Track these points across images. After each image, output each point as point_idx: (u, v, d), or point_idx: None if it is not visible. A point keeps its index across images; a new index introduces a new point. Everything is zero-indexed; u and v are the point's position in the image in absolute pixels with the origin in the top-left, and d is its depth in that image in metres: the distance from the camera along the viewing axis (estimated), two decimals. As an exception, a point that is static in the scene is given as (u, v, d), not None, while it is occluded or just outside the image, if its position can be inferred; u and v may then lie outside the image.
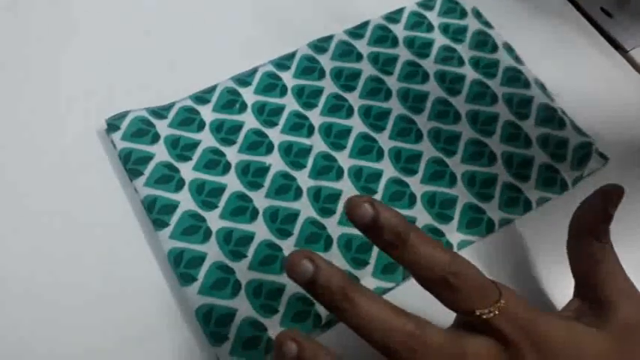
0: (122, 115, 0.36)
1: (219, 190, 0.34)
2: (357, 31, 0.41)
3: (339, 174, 0.35)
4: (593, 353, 0.25)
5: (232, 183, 0.34)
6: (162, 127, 0.36)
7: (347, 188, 0.35)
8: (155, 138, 0.35)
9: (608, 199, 0.28)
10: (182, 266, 0.31)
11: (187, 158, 0.35)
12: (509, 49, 0.41)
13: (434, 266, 0.24)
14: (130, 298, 0.32)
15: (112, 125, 0.35)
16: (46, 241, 0.33)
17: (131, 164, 0.34)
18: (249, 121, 0.37)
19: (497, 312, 0.24)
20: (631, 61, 0.41)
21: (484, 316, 0.24)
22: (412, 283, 0.32)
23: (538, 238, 0.34)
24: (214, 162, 0.35)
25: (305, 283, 0.24)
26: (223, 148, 0.35)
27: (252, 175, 0.35)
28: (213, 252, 0.32)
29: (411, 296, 0.32)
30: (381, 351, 0.24)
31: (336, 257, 0.32)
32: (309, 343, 0.24)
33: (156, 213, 0.33)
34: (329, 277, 0.24)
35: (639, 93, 0.40)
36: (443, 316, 0.26)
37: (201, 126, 0.36)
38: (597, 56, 0.42)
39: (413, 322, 0.24)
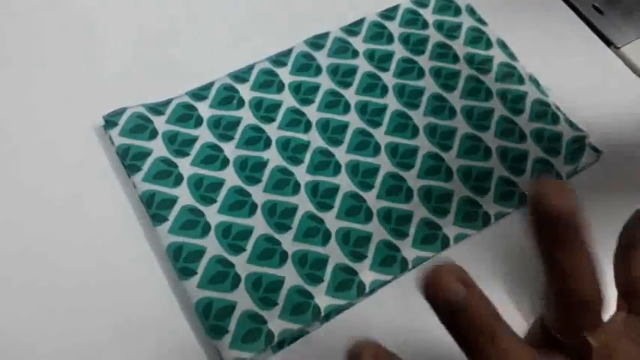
0: (120, 112, 0.36)
1: (218, 184, 0.34)
2: (352, 28, 0.41)
3: (336, 169, 0.35)
4: None
5: (230, 178, 0.34)
6: (160, 123, 0.36)
7: (344, 183, 0.35)
8: (153, 134, 0.35)
9: None
10: (181, 260, 0.31)
11: (185, 154, 0.35)
12: (503, 45, 0.41)
13: None
14: (129, 292, 0.32)
15: (110, 122, 0.36)
16: (44, 236, 0.33)
17: (129, 160, 0.34)
18: (247, 117, 0.37)
19: None
20: (623, 58, 0.42)
21: None
22: (410, 276, 0.33)
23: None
24: (212, 157, 0.35)
25: (450, 309, 0.19)
26: (221, 144, 0.36)
27: (250, 170, 0.35)
28: (212, 246, 0.32)
29: (408, 289, 0.33)
30: None
31: (334, 251, 0.33)
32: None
33: (155, 208, 0.33)
34: (478, 308, 0.19)
35: (631, 88, 0.41)
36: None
37: (198, 122, 0.36)
38: (590, 53, 0.42)
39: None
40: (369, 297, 0.32)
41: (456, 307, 0.19)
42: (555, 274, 0.21)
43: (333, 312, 0.31)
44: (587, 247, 0.21)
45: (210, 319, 0.30)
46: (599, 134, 0.38)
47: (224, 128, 0.36)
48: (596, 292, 0.21)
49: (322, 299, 0.31)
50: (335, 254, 0.32)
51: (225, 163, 0.35)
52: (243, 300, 0.31)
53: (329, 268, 0.32)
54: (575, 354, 0.22)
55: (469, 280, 0.19)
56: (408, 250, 0.33)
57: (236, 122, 0.36)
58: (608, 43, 0.43)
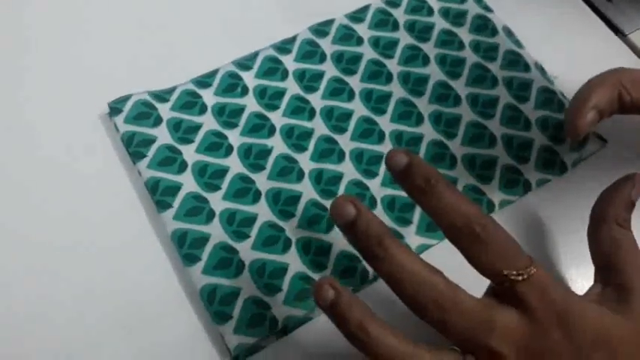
0: (124, 99, 0.36)
1: (222, 172, 0.34)
2: (357, 15, 0.41)
3: (340, 157, 0.35)
4: (618, 337, 0.25)
5: (235, 165, 0.34)
6: (165, 111, 0.36)
7: (348, 171, 0.35)
8: (157, 121, 0.35)
9: (630, 187, 0.29)
10: (186, 247, 0.32)
11: (190, 141, 0.35)
12: (509, 32, 0.41)
13: (461, 215, 0.24)
14: (133, 279, 0.32)
15: (115, 108, 0.36)
16: (49, 225, 0.33)
17: (134, 147, 0.34)
18: (251, 104, 0.37)
19: (526, 276, 0.24)
20: (630, 45, 0.42)
21: (512, 277, 0.24)
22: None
23: (538, 219, 0.35)
24: (217, 145, 0.35)
25: (345, 225, 0.25)
26: (225, 131, 0.36)
27: (255, 157, 0.35)
28: (216, 233, 0.32)
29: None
30: (410, 305, 0.24)
31: (337, 238, 0.33)
32: (346, 292, 0.25)
33: (159, 195, 0.33)
34: (368, 223, 0.25)
35: (638, 76, 0.40)
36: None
37: (203, 109, 0.36)
38: (596, 40, 0.42)
39: (446, 282, 0.24)
40: (372, 284, 0.32)
41: (347, 221, 0.25)
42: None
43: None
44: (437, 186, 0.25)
45: (215, 305, 0.30)
46: (603, 122, 0.38)
47: (228, 116, 0.36)
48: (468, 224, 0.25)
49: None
50: (339, 242, 0.33)
51: (229, 150, 0.35)
52: (247, 286, 0.31)
53: (332, 255, 0.32)
54: (513, 303, 0.25)
55: (360, 205, 0.25)
56: (412, 237, 0.33)
57: (240, 110, 0.36)
58: (616, 30, 0.42)
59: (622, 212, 0.28)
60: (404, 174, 0.26)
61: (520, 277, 0.24)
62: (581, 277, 0.33)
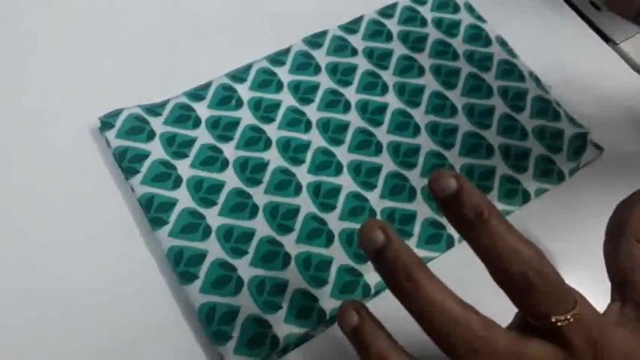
0: (116, 113, 0.35)
1: (218, 186, 0.33)
2: (351, 26, 0.40)
3: (338, 169, 0.35)
4: None
5: (231, 179, 0.34)
6: (158, 125, 0.35)
7: (346, 183, 0.34)
8: (150, 135, 0.35)
9: None
10: (182, 264, 0.31)
11: (184, 155, 0.34)
12: (503, 42, 0.41)
13: (516, 258, 0.22)
14: (129, 298, 0.31)
15: (106, 123, 0.35)
16: (40, 242, 0.32)
17: (126, 162, 0.34)
18: (246, 117, 0.36)
19: (572, 320, 0.22)
20: (621, 53, 0.42)
21: (559, 324, 0.22)
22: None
23: (538, 229, 0.35)
24: (212, 159, 0.34)
25: (373, 253, 0.23)
26: (220, 145, 0.35)
27: (251, 171, 0.34)
28: (213, 249, 0.31)
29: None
30: (440, 344, 0.22)
31: (338, 252, 0.32)
32: (371, 319, 0.23)
33: (154, 211, 0.32)
34: (398, 252, 0.22)
35: (630, 84, 0.41)
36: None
37: (196, 123, 0.36)
38: (588, 49, 0.42)
39: (480, 321, 0.22)
40: (374, 298, 0.32)
41: (376, 249, 0.22)
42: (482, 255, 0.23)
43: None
44: (499, 228, 0.22)
45: (214, 325, 0.29)
46: (599, 131, 0.38)
47: (223, 129, 0.36)
48: (538, 274, 0.22)
49: (327, 302, 0.31)
50: (339, 256, 0.32)
51: (225, 164, 0.34)
52: (246, 304, 0.30)
53: (333, 270, 0.32)
54: (551, 337, 0.23)
55: (391, 232, 0.22)
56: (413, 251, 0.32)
57: (235, 123, 0.36)
58: (607, 39, 0.43)
59: None
60: (451, 202, 0.22)
61: (566, 322, 0.22)
62: (580, 287, 0.32)
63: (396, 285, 0.22)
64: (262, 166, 0.34)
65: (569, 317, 0.22)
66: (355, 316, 0.23)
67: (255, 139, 0.35)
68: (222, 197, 0.33)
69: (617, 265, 0.28)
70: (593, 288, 0.28)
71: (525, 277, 0.22)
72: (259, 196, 0.33)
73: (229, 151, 0.35)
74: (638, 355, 0.24)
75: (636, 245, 0.27)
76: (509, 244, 0.22)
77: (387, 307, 0.31)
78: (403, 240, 0.23)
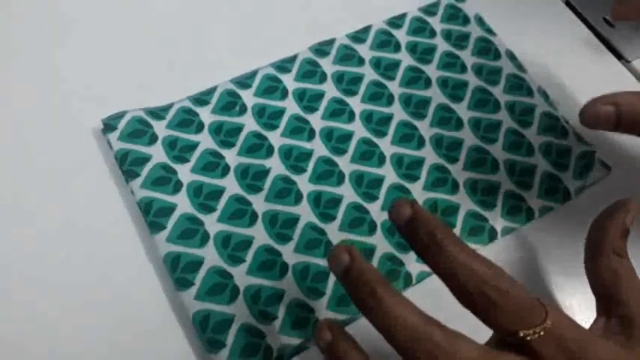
0: (119, 115, 0.35)
1: (218, 192, 0.33)
2: (358, 36, 0.40)
3: (339, 179, 0.34)
4: None
5: (231, 186, 0.34)
6: (160, 128, 0.35)
7: (348, 194, 0.34)
8: (153, 139, 0.34)
9: (624, 214, 0.28)
10: (179, 270, 0.31)
11: (185, 160, 0.34)
12: (512, 56, 0.40)
13: (472, 277, 0.22)
14: (124, 302, 0.31)
15: (109, 125, 0.35)
16: (39, 243, 0.32)
17: (127, 165, 0.33)
18: (249, 123, 0.36)
19: (542, 333, 0.22)
20: (633, 71, 0.41)
21: (528, 338, 0.22)
22: (414, 291, 0.32)
23: (541, 248, 0.34)
24: (213, 164, 0.34)
25: (340, 274, 0.24)
26: (222, 151, 0.35)
27: (252, 178, 0.34)
28: (210, 256, 0.31)
29: (420, 300, 0.32)
30: (405, 357, 0.23)
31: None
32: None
33: (152, 215, 0.32)
34: (361, 271, 0.24)
35: (641, 103, 0.40)
36: (459, 324, 0.25)
37: (199, 128, 0.35)
38: (600, 66, 0.41)
39: (442, 333, 0.22)
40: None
41: (341, 271, 0.24)
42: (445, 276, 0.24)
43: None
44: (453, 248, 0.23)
45: (208, 332, 0.29)
46: (608, 149, 0.37)
47: (225, 135, 0.35)
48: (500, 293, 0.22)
49: (323, 314, 0.30)
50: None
51: (225, 170, 0.34)
52: (241, 313, 0.30)
53: (330, 282, 0.31)
54: (525, 352, 0.23)
55: (355, 253, 0.24)
56: (413, 265, 0.32)
57: (238, 129, 0.36)
58: (619, 56, 0.42)
59: (617, 241, 0.28)
60: (407, 228, 0.24)
61: (536, 335, 0.22)
62: (584, 307, 0.32)
63: (361, 302, 0.23)
64: (263, 173, 0.34)
65: (538, 331, 0.22)
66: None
67: (258, 146, 0.35)
68: (221, 203, 0.33)
69: (599, 282, 0.28)
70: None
71: (483, 295, 0.22)
72: (259, 203, 0.33)
73: (231, 157, 0.35)
74: None
75: (615, 259, 0.27)
76: (463, 263, 0.23)
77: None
78: (368, 261, 0.24)
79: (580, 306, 0.32)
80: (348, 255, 0.24)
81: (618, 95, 0.31)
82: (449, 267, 0.23)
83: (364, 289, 0.23)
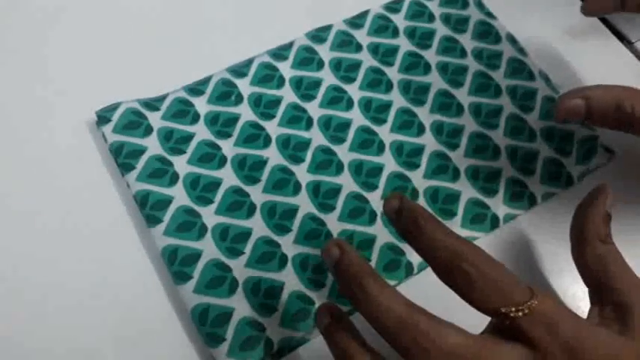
0: (113, 107, 0.34)
1: (215, 184, 0.33)
2: (356, 21, 0.39)
3: (338, 168, 0.34)
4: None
5: (228, 177, 0.33)
6: (155, 120, 0.34)
7: (347, 183, 0.33)
8: (148, 130, 0.34)
9: (604, 199, 0.28)
10: (177, 264, 0.30)
11: (181, 151, 0.34)
12: (513, 40, 0.39)
13: (448, 252, 0.23)
14: (122, 297, 0.30)
15: (103, 117, 0.34)
16: (34, 238, 0.32)
17: (123, 158, 0.33)
18: (246, 113, 0.35)
19: (527, 311, 0.22)
20: (636, 53, 0.40)
21: (511, 315, 0.22)
22: (415, 281, 0.32)
23: (544, 234, 0.34)
24: (209, 155, 0.34)
25: (331, 268, 0.25)
26: (219, 141, 0.34)
27: (249, 169, 0.33)
28: (209, 249, 0.31)
29: (414, 294, 0.32)
30: (393, 346, 0.23)
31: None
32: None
33: (149, 209, 0.31)
34: (349, 264, 0.24)
35: (644, 85, 0.39)
36: (461, 313, 0.24)
37: (195, 118, 0.35)
38: (602, 48, 0.41)
39: (428, 321, 0.23)
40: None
41: (332, 265, 0.25)
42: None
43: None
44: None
45: (207, 326, 0.29)
46: (611, 133, 0.37)
47: (222, 125, 0.35)
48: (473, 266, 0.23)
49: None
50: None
51: (222, 161, 0.33)
52: (241, 306, 0.29)
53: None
54: (518, 339, 0.23)
55: (345, 246, 0.25)
56: (413, 254, 0.31)
57: (234, 119, 0.35)
58: (621, 38, 0.41)
59: (601, 227, 0.28)
60: (396, 219, 0.25)
61: (520, 313, 0.22)
62: (587, 294, 0.31)
63: (349, 294, 0.24)
64: (261, 163, 0.34)
65: (521, 308, 0.22)
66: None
67: (255, 136, 0.34)
68: (219, 195, 0.32)
69: (588, 271, 0.28)
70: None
71: (460, 270, 0.23)
72: (257, 194, 0.33)
73: (228, 147, 0.34)
74: (622, 354, 0.23)
75: (601, 246, 0.27)
76: (440, 238, 0.24)
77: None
78: (358, 253, 0.25)
79: (585, 293, 0.32)
80: (338, 249, 0.25)
81: (588, 89, 0.32)
82: (430, 246, 0.24)
83: (352, 280, 0.24)
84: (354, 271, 0.24)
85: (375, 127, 0.35)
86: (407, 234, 0.25)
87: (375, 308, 0.23)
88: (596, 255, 0.27)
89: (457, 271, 0.23)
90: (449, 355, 0.22)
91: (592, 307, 0.27)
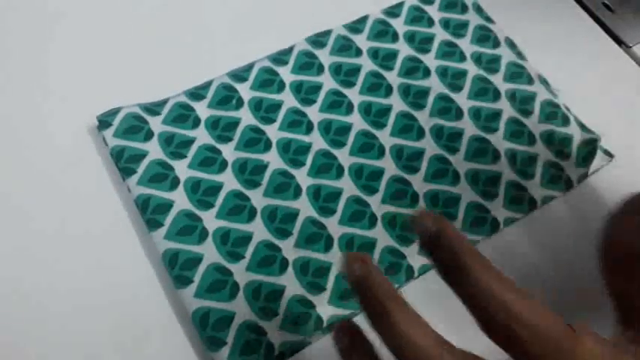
0: (114, 112, 0.34)
1: (216, 188, 0.33)
2: (356, 26, 0.40)
3: (339, 172, 0.34)
4: None
5: (229, 181, 0.33)
6: (156, 124, 0.34)
7: (347, 187, 0.34)
8: (149, 135, 0.34)
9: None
10: (177, 268, 0.30)
11: (182, 156, 0.34)
12: (512, 44, 0.40)
13: (499, 308, 0.20)
14: (123, 301, 0.30)
15: (104, 122, 0.34)
16: (35, 242, 0.32)
17: (124, 162, 0.33)
18: (246, 117, 0.35)
19: None
20: (634, 57, 0.41)
21: None
22: (416, 285, 0.32)
23: (543, 237, 0.34)
24: (210, 160, 0.34)
25: (352, 284, 0.22)
26: (219, 146, 0.34)
27: (250, 173, 0.33)
28: (209, 253, 0.31)
29: (414, 297, 0.32)
30: None
31: (336, 258, 0.31)
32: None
33: (150, 213, 0.32)
34: (372, 285, 0.22)
35: (643, 89, 0.40)
36: (462, 320, 0.24)
37: (196, 123, 0.35)
38: (600, 52, 0.41)
39: (453, 357, 0.20)
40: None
41: (353, 281, 0.22)
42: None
43: (336, 322, 0.30)
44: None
45: (208, 330, 0.29)
46: (610, 137, 0.37)
47: (222, 129, 0.35)
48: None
49: (325, 309, 0.30)
50: (337, 261, 0.31)
51: (223, 165, 0.34)
52: (242, 310, 0.29)
53: (332, 277, 0.31)
54: None
55: (370, 265, 0.22)
56: (414, 258, 0.32)
57: (235, 123, 0.35)
58: (619, 42, 0.41)
59: None
60: (431, 248, 0.21)
61: None
62: (585, 297, 0.31)
63: (371, 316, 0.22)
64: (262, 168, 0.34)
65: None
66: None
67: (255, 140, 0.35)
68: (219, 199, 0.32)
69: (625, 288, 0.25)
70: (600, 299, 0.28)
71: (510, 331, 0.20)
72: (258, 198, 0.33)
73: (228, 152, 0.34)
74: None
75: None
76: (492, 293, 0.20)
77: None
78: (382, 273, 0.22)
79: (584, 296, 0.32)
80: (360, 265, 0.22)
81: None
82: (475, 294, 0.20)
83: (376, 304, 0.21)
84: (379, 293, 0.21)
85: (375, 131, 0.36)
86: (444, 271, 0.21)
87: (399, 338, 0.21)
88: (635, 272, 0.25)
89: (510, 335, 0.20)
90: None
91: (619, 326, 0.25)
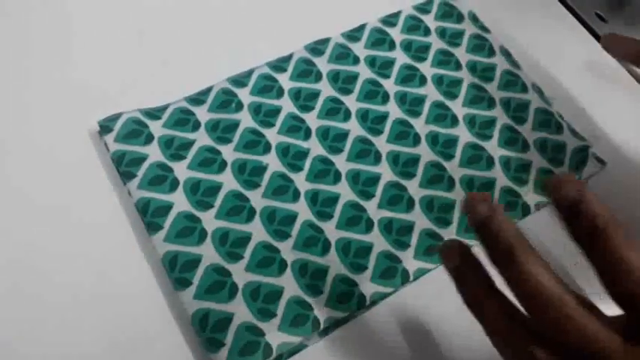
0: (115, 117, 0.35)
1: (215, 189, 0.33)
2: (353, 34, 0.40)
3: (336, 177, 0.35)
4: None
5: (228, 182, 0.34)
6: (156, 128, 0.35)
7: (345, 192, 0.34)
8: (149, 138, 0.35)
9: None
10: (177, 270, 0.31)
11: (181, 157, 0.34)
12: (506, 53, 0.40)
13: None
14: (123, 303, 0.31)
15: (105, 127, 0.35)
16: (37, 245, 0.32)
17: (124, 166, 0.33)
18: (246, 119, 0.36)
19: None
20: (626, 67, 0.41)
21: None
22: (411, 289, 0.32)
23: (537, 243, 0.34)
24: (209, 160, 0.34)
25: (476, 225, 0.23)
26: (219, 147, 0.35)
27: (249, 173, 0.34)
28: (208, 254, 0.31)
29: (410, 301, 0.32)
30: (532, 318, 0.22)
31: (333, 261, 0.32)
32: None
33: (150, 216, 0.32)
34: (500, 227, 0.22)
35: (635, 98, 0.40)
36: (458, 321, 0.25)
37: (196, 126, 0.35)
38: (594, 62, 0.42)
39: (577, 305, 0.21)
40: (370, 309, 0.31)
41: (478, 223, 0.23)
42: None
43: (333, 325, 0.31)
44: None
45: (207, 332, 0.29)
46: (603, 144, 0.38)
47: (222, 131, 0.35)
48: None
49: (322, 311, 0.30)
50: (334, 265, 0.32)
51: (222, 166, 0.34)
52: (240, 311, 0.30)
53: (328, 279, 0.31)
54: None
55: (497, 207, 0.23)
56: (410, 262, 0.32)
57: (234, 125, 0.36)
58: (612, 52, 0.42)
59: None
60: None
61: None
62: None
63: (496, 259, 0.22)
64: (261, 169, 0.34)
65: None
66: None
67: (255, 142, 0.35)
68: (219, 200, 0.33)
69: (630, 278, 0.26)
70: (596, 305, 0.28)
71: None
72: (257, 199, 0.33)
73: (228, 152, 0.35)
74: None
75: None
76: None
77: (382, 319, 0.31)
78: (509, 217, 0.23)
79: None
80: (486, 207, 0.23)
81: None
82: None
83: (501, 246, 0.22)
84: (505, 234, 0.22)
85: (371, 138, 0.36)
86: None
87: (524, 280, 0.22)
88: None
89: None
90: (583, 339, 0.21)
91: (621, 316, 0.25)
